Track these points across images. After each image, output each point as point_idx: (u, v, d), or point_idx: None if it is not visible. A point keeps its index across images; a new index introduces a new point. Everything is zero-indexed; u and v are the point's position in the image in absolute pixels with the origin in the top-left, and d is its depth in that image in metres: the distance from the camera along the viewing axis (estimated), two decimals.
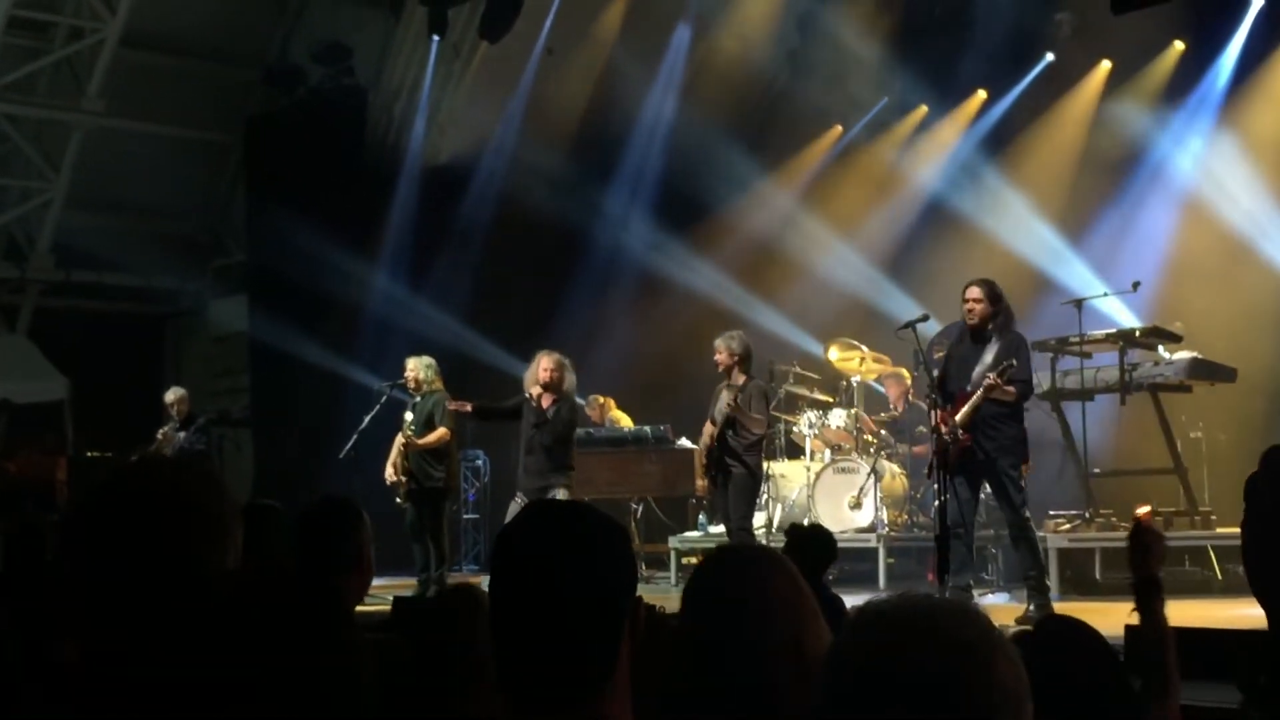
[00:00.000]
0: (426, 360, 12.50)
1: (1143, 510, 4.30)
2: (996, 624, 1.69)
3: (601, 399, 15.46)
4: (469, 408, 11.91)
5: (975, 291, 9.69)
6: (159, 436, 14.46)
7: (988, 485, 9.87)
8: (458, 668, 3.54)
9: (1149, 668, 3.45)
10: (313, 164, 17.58)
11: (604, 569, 2.24)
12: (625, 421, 15.21)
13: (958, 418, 9.57)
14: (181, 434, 14.40)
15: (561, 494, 11.03)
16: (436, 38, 16.70)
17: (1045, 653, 2.66)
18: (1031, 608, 9.43)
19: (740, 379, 11.01)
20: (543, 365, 11.42)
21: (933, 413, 9.83)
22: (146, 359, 21.30)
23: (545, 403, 11.35)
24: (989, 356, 9.63)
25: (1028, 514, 9.79)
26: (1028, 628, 2.80)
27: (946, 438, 9.58)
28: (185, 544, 2.30)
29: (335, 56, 18.40)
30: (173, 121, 19.58)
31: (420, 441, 12.10)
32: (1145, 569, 3.54)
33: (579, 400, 14.80)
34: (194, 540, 2.31)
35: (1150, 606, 3.45)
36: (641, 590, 2.33)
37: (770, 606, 2.63)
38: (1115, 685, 2.72)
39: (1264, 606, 1.54)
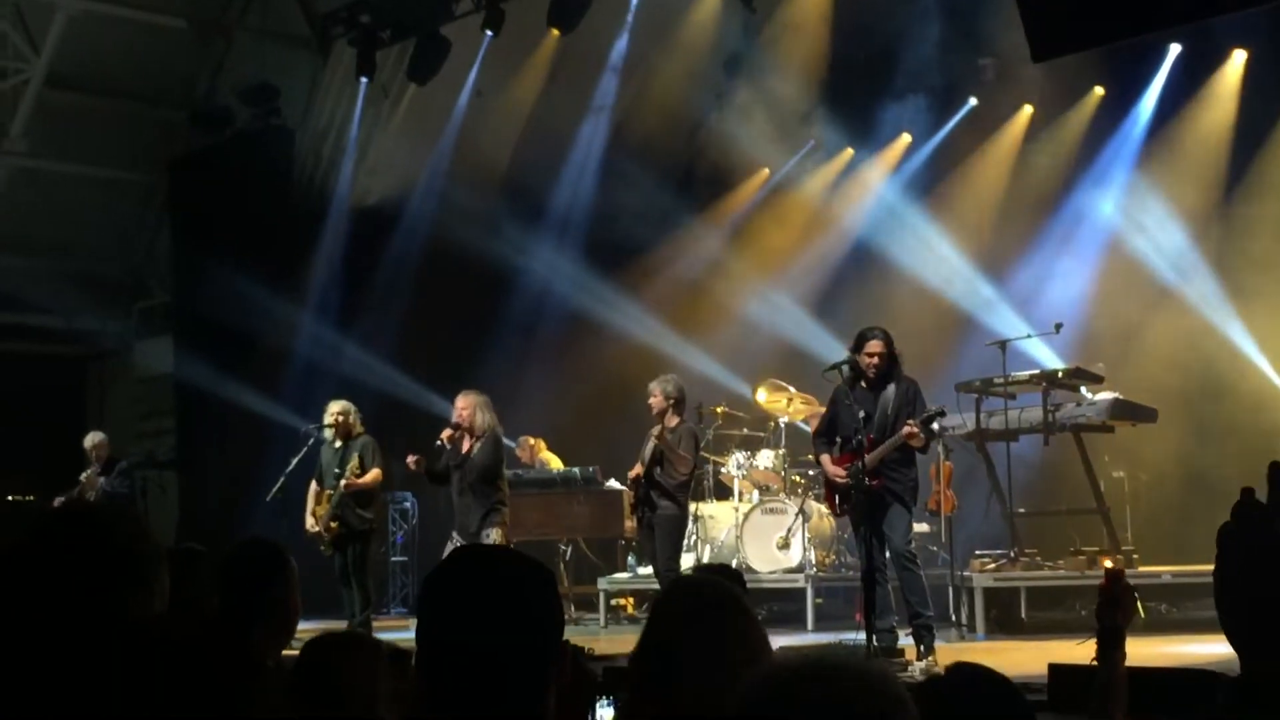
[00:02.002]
0: (351, 405, 12.42)
1: (1108, 562, 4.44)
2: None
3: (532, 440, 15.42)
4: (417, 465, 11.53)
5: (879, 345, 9.84)
6: (82, 480, 14.31)
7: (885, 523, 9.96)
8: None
9: (1096, 713, 3.51)
10: (239, 205, 17.49)
11: (531, 614, 2.25)
12: (555, 463, 15.18)
13: (867, 460, 9.67)
14: (103, 478, 14.27)
15: (495, 534, 11.01)
16: (365, 79, 16.69)
17: (955, 700, 2.69)
18: (922, 648, 9.53)
19: (673, 421, 11.06)
20: (458, 405, 11.39)
21: (824, 458, 10.02)
22: (70, 401, 21.04)
23: (465, 444, 11.32)
24: (889, 403, 9.78)
25: (913, 549, 9.99)
26: (938, 672, 2.83)
27: (847, 482, 9.72)
28: (110, 589, 2.29)
29: (262, 97, 18.32)
30: (97, 162, 19.42)
31: (360, 482, 12.00)
32: (1112, 619, 3.61)
33: (509, 442, 14.79)
34: (119, 586, 2.30)
35: (1110, 656, 3.51)
36: (570, 632, 2.35)
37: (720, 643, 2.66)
38: None
39: (1236, 649, 1.59)
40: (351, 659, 3.74)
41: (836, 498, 10.12)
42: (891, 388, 9.84)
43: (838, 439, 10.01)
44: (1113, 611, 3.57)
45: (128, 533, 2.36)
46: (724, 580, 2.95)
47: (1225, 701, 1.52)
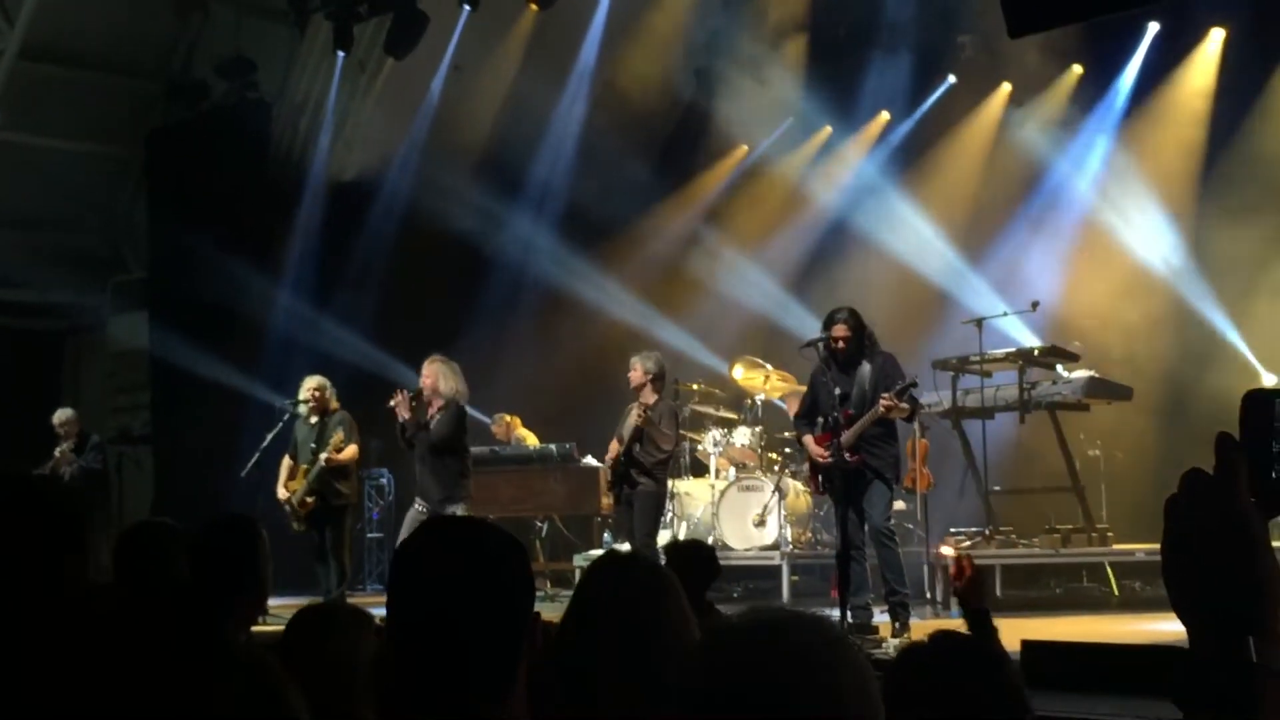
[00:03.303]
0: (327, 381, 12.38)
1: (947, 549, 4.54)
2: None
3: (508, 417, 15.42)
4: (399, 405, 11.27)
5: (844, 329, 9.85)
6: (55, 455, 14.25)
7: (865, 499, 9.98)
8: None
9: None
10: (216, 179, 17.40)
11: (502, 586, 2.24)
12: (531, 440, 15.18)
13: (844, 438, 9.70)
14: (74, 455, 14.18)
15: (460, 510, 10.99)
16: (342, 53, 16.61)
17: (936, 668, 2.69)
18: (897, 625, 9.58)
19: (651, 398, 11.05)
20: (422, 371, 11.38)
21: (806, 438, 10.04)
22: (44, 375, 20.93)
23: (432, 409, 11.32)
24: (866, 379, 9.80)
25: (891, 526, 10.01)
26: (920, 640, 2.84)
27: (828, 460, 9.75)
28: (44, 551, 2.28)
29: (239, 70, 18.22)
30: (73, 135, 19.29)
31: (341, 456, 11.98)
32: (976, 602, 3.65)
33: (483, 418, 14.78)
34: (53, 548, 2.29)
35: (985, 635, 3.55)
36: (547, 608, 2.34)
37: (658, 621, 2.65)
38: (1010, 701, 2.75)
39: (1184, 623, 1.59)
40: (339, 632, 3.73)
41: (820, 477, 10.16)
42: (867, 365, 9.87)
43: (820, 419, 10.03)
44: (974, 595, 3.61)
45: (60, 494, 2.36)
46: (650, 561, 2.95)
47: (1174, 678, 1.52)
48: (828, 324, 9.97)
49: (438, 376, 11.26)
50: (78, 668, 1.96)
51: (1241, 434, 1.65)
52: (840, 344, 9.86)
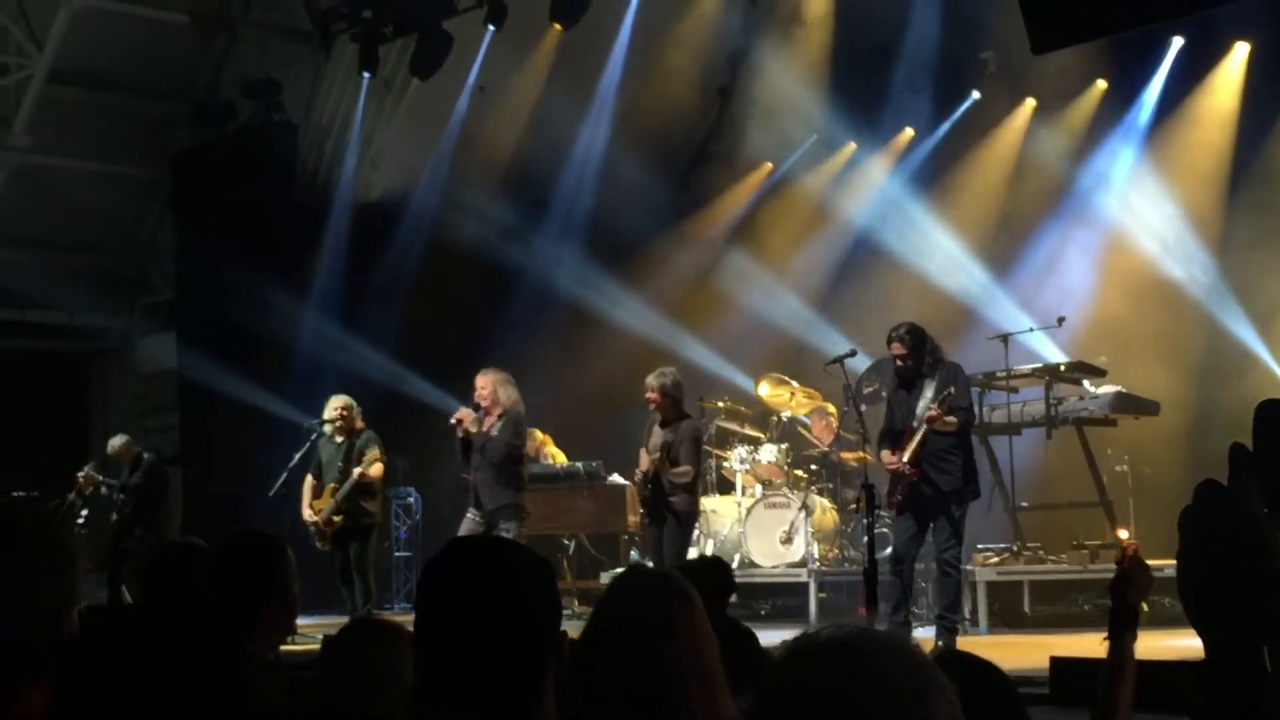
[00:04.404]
0: (353, 400, 12.41)
1: (1124, 533, 4.37)
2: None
3: (540, 435, 15.41)
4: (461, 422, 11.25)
5: (900, 348, 9.84)
6: (80, 477, 14.35)
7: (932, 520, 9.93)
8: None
9: (1100, 697, 3.43)
10: (242, 200, 17.47)
11: (528, 604, 2.25)
12: (560, 457, 15.18)
13: (907, 453, 9.67)
14: (98, 475, 14.29)
15: (513, 530, 10.91)
16: (367, 74, 16.68)
17: None
18: (940, 644, 9.53)
19: (672, 417, 10.96)
20: (477, 384, 11.23)
21: (882, 452, 9.98)
22: (74, 398, 21.05)
23: (488, 421, 11.20)
24: (929, 392, 9.76)
25: (958, 553, 9.94)
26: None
27: (900, 469, 9.73)
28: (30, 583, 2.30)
29: (265, 92, 18.31)
30: (100, 157, 19.40)
31: (371, 472, 12.00)
32: (1125, 598, 3.53)
33: None
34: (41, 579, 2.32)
35: (1120, 636, 3.43)
36: (574, 626, 2.35)
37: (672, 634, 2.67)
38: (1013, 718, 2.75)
39: (1200, 634, 1.59)
40: (385, 646, 3.74)
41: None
42: (931, 380, 9.80)
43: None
44: (1127, 589, 3.50)
45: (30, 525, 2.38)
46: (666, 573, 2.97)
47: (1187, 687, 1.52)
48: (887, 342, 9.96)
49: (495, 386, 11.17)
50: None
51: (1255, 445, 1.66)
52: (899, 362, 9.84)
